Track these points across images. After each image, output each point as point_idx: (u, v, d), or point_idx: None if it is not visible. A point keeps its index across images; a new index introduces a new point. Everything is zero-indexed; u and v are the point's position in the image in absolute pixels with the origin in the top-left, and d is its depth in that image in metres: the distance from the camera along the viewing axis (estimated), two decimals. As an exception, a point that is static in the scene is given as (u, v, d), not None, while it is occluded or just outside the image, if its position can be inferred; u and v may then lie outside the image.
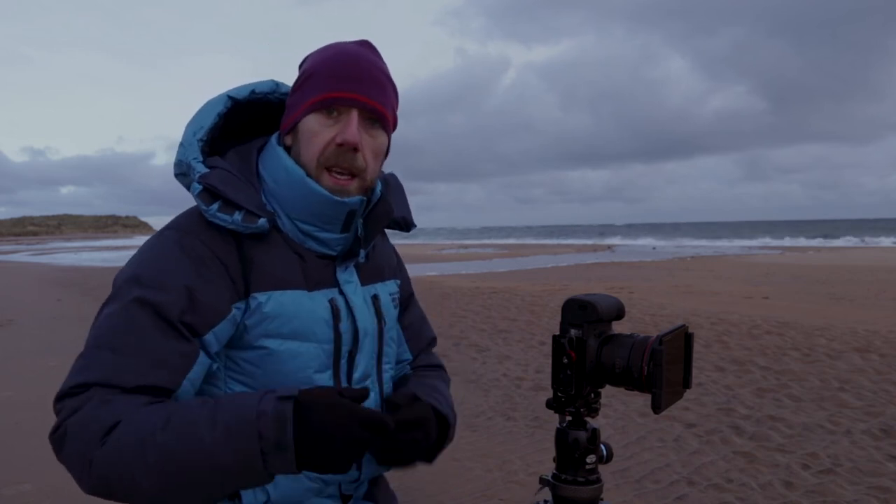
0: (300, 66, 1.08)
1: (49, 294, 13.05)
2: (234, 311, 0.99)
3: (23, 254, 42.39)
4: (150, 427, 0.85)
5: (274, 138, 1.09)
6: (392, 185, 1.20)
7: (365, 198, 1.06)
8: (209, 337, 0.97)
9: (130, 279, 0.96)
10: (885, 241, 38.41)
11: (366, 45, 1.07)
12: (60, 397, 0.91)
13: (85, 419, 0.87)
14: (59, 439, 0.89)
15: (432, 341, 1.34)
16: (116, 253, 39.72)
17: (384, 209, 1.12)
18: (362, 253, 1.11)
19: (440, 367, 1.32)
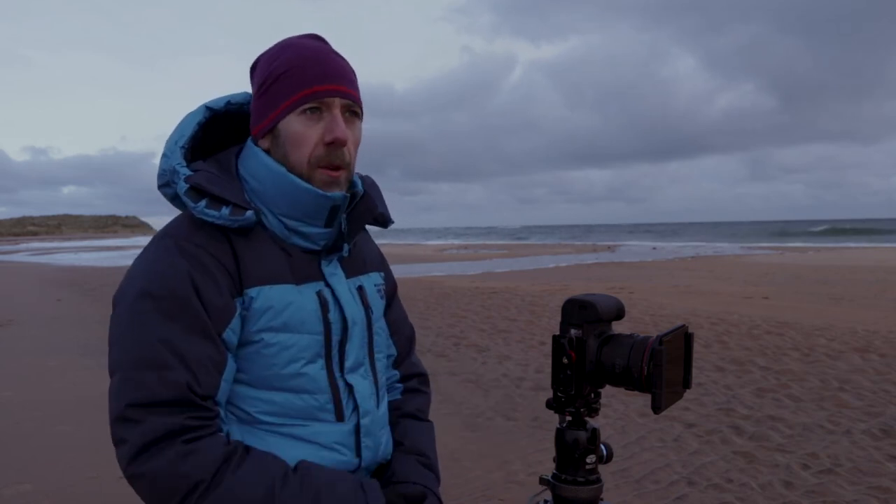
0: (253, 69, 1.11)
1: (49, 294, 13.05)
2: (238, 307, 1.02)
3: (23, 254, 42.38)
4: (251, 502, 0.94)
5: (250, 141, 1.12)
6: (369, 183, 1.23)
7: (348, 194, 1.09)
8: (228, 335, 1.00)
9: (141, 295, 0.98)
10: (888, 242, 38.09)
11: (319, 38, 1.11)
12: (119, 420, 0.94)
13: (170, 472, 0.92)
14: (137, 478, 0.93)
15: (412, 336, 1.38)
16: (116, 253, 39.71)
17: (367, 205, 1.16)
18: (346, 247, 1.15)
19: (423, 375, 1.38)
